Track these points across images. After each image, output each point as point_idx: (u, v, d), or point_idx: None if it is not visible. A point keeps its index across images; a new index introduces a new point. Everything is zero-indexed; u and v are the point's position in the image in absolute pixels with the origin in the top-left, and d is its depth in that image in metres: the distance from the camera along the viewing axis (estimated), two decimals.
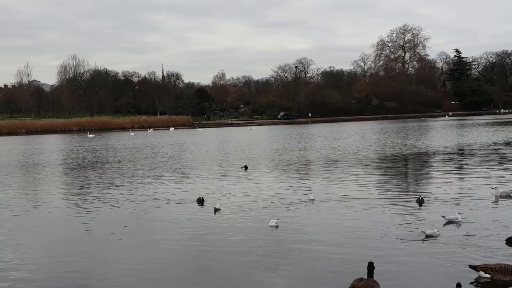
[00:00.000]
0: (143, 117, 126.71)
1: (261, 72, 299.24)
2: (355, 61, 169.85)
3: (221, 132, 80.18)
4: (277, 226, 13.77)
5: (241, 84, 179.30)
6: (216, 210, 16.35)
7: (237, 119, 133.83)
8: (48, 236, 13.90)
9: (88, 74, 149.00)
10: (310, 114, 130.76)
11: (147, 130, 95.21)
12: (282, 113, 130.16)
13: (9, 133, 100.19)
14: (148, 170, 28.31)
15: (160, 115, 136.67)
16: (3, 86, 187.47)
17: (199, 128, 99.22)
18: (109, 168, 29.87)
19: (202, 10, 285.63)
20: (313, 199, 17.37)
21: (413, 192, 18.94)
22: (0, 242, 13.16)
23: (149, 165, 30.95)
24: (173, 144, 51.68)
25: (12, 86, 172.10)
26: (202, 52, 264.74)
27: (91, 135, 76.50)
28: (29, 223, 15.53)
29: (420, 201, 16.50)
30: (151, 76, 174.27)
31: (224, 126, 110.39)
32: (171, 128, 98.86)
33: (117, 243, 13.01)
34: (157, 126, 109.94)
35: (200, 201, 17.53)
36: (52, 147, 53.99)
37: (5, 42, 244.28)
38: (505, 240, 11.78)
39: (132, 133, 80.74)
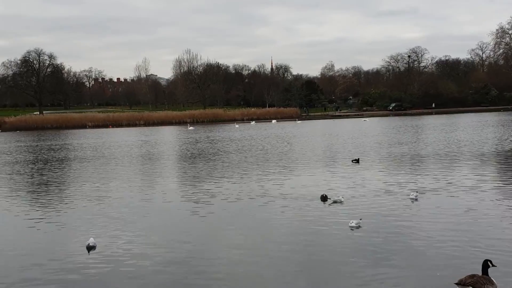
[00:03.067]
0: (252, 109, 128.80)
1: (372, 62, 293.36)
2: (473, 50, 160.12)
3: (329, 125, 79.32)
4: (358, 227, 13.08)
5: (350, 75, 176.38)
6: (335, 202, 16.13)
7: (345, 111, 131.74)
8: (167, 230, 14.36)
9: (201, 68, 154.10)
10: (433, 105, 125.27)
11: (249, 122, 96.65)
12: (393, 104, 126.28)
13: (128, 125, 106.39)
14: (250, 163, 28.49)
15: (268, 107, 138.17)
16: (123, 80, 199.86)
17: (298, 120, 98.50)
18: (211, 160, 30.42)
19: (312, 2, 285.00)
20: (416, 196, 16.49)
21: None
22: (122, 229, 13.81)
23: (252, 158, 31.19)
24: (274, 136, 51.94)
25: (131, 80, 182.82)
26: (311, 44, 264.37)
27: (191, 128, 78.85)
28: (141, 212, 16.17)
29: None
30: (260, 69, 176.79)
31: (332, 118, 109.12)
32: (273, 121, 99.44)
33: (237, 239, 13.15)
34: (266, 118, 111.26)
35: (324, 199, 16.65)
36: (161, 138, 56.49)
37: (125, 38, 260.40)
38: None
39: (236, 125, 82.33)
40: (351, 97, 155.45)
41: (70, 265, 10.85)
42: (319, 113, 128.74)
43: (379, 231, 12.81)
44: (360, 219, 13.43)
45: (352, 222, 13.20)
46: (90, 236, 12.46)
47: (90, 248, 11.83)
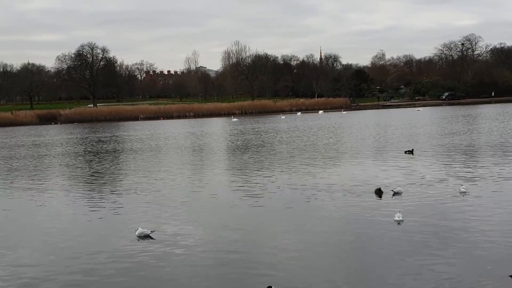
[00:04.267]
0: (301, 99, 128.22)
1: (424, 50, 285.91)
2: None
3: (379, 115, 77.98)
4: (399, 222, 12.64)
5: (402, 64, 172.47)
6: (395, 193, 15.84)
7: (397, 101, 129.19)
8: (214, 218, 14.49)
9: (249, 59, 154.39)
10: (493, 94, 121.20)
11: (296, 113, 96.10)
12: (446, 94, 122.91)
13: (179, 116, 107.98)
14: (296, 155, 28.30)
15: (317, 97, 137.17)
16: (173, 73, 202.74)
17: (344, 111, 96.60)
18: (256, 152, 30.34)
19: None
20: (466, 189, 15.93)
21: None
22: (172, 219, 14.02)
23: (298, 149, 30.98)
24: (321, 127, 51.47)
25: (182, 72, 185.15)
26: (361, 33, 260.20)
27: (235, 119, 78.98)
28: (195, 205, 16.34)
29: None
30: (309, 59, 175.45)
31: (382, 108, 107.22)
32: (320, 111, 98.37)
33: (286, 230, 13.12)
34: (314, 109, 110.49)
35: (378, 192, 16.05)
36: (207, 130, 56.98)
37: (176, 31, 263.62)
38: None
39: (282, 117, 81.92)
40: (402, 86, 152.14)
41: (122, 253, 11.10)
42: (369, 103, 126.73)
43: (431, 224, 12.53)
44: (401, 215, 12.94)
45: (398, 215, 12.84)
46: (140, 225, 12.71)
47: (142, 236, 12.07)
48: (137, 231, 12.21)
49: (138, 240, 12.01)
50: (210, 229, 12.87)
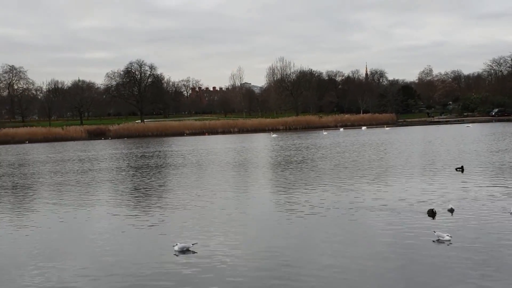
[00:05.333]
0: (346, 115, 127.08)
1: (472, 66, 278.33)
2: None
3: (426, 131, 76.22)
4: (445, 240, 12.09)
5: (450, 79, 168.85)
6: (450, 210, 15.32)
7: (445, 117, 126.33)
8: (262, 231, 14.30)
9: (294, 75, 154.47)
10: None
11: (338, 129, 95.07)
12: (496, 110, 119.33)
13: (223, 132, 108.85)
14: (338, 172, 27.81)
15: (363, 113, 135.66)
16: (218, 89, 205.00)
17: (387, 127, 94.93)
18: (297, 168, 29.94)
19: (409, 5, 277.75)
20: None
21: None
22: (214, 234, 13.89)
23: (340, 166, 30.44)
24: (364, 143, 50.56)
25: (227, 88, 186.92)
26: (408, 48, 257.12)
27: (274, 135, 78.69)
28: (239, 218, 16.18)
29: None
30: (354, 74, 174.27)
31: (430, 124, 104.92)
32: (363, 127, 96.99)
33: (330, 249, 12.80)
34: (359, 125, 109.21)
35: (431, 214, 15.15)
36: (248, 145, 56.84)
37: (221, 48, 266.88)
38: None
39: (324, 132, 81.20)
40: (450, 102, 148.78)
41: (164, 267, 10.98)
42: (417, 119, 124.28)
43: (481, 244, 11.93)
44: (448, 235, 12.42)
45: (445, 235, 12.30)
46: (183, 240, 12.62)
47: (182, 251, 11.96)
48: (177, 246, 12.12)
49: (178, 255, 11.89)
50: (252, 246, 12.61)
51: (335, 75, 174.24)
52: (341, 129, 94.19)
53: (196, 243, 12.29)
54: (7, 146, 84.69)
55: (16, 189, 25.48)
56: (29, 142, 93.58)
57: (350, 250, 11.91)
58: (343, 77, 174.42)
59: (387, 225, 14.18)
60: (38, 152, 61.50)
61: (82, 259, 12.05)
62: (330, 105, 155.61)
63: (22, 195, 22.98)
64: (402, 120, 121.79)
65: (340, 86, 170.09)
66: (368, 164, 30.36)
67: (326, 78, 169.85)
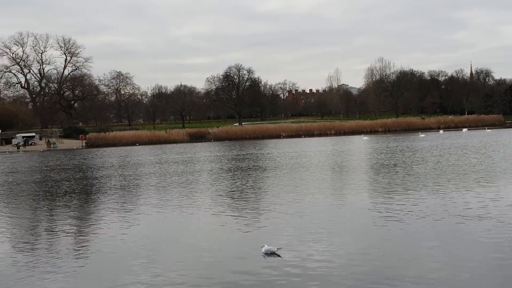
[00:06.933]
0: (449, 117, 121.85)
1: None
2: None
3: None
4: None
5: None
6: None
7: None
8: (357, 234, 14.06)
9: (394, 75, 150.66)
10: None
11: (438, 131, 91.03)
12: None
13: (320, 134, 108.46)
14: (436, 177, 26.52)
15: (467, 114, 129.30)
16: (315, 91, 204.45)
17: (487, 129, 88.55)
18: (391, 172, 28.97)
19: None
20: None
21: None
22: (307, 237, 13.83)
23: (438, 170, 29.04)
24: (466, 147, 47.86)
25: (323, 90, 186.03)
26: None
27: (366, 138, 77.44)
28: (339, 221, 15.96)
29: None
30: (458, 74, 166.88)
31: None
32: (464, 129, 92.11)
33: (432, 259, 12.24)
34: (464, 126, 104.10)
35: None
36: (341, 148, 55.90)
37: (318, 50, 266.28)
38: None
39: (422, 135, 78.09)
40: None
41: (249, 267, 11.08)
42: None
43: None
44: None
45: None
46: (271, 242, 12.70)
47: (269, 253, 12.07)
48: (264, 248, 12.26)
49: (265, 257, 11.99)
50: (343, 253, 12.32)
51: (438, 75, 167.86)
52: (441, 131, 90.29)
53: (281, 247, 12.30)
54: (117, 148, 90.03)
55: (123, 189, 26.95)
56: (139, 145, 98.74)
57: (453, 264, 11.13)
58: (446, 77, 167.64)
59: (490, 235, 13.16)
60: (145, 153, 64.86)
61: (180, 256, 12.48)
62: (433, 106, 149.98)
63: (129, 195, 24.27)
64: (509, 121, 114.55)
65: (443, 86, 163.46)
66: (469, 169, 28.79)
67: (428, 78, 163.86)
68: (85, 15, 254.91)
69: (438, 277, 10.07)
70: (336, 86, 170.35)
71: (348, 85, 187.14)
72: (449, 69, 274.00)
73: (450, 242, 12.69)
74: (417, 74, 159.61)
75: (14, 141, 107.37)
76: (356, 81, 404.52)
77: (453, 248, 12.13)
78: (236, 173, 32.61)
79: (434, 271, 10.44)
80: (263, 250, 12.17)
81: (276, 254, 12.04)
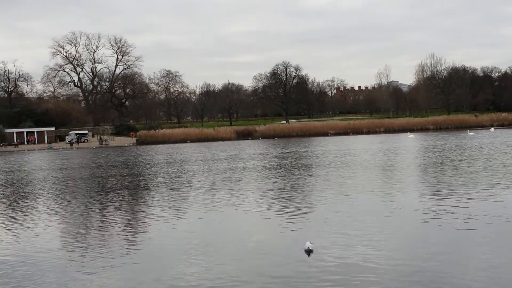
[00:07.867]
0: (503, 114, 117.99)
1: None
2: None
3: None
4: None
5: None
6: None
7: None
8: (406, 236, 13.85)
9: (445, 72, 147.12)
10: None
11: (489, 129, 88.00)
12: None
13: (368, 132, 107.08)
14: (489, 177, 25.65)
15: None
16: (364, 88, 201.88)
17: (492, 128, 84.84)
18: (439, 171, 28.16)
19: None
20: None
21: None
22: (352, 235, 13.73)
23: (487, 170, 28.08)
24: None
25: (372, 87, 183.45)
26: None
27: (411, 135, 75.73)
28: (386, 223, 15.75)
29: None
30: None
31: None
32: (491, 129, 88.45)
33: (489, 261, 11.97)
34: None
35: None
36: (387, 146, 54.80)
37: (367, 46, 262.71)
38: None
39: (471, 133, 75.70)
40: None
41: (293, 266, 11.01)
42: None
43: None
44: None
45: None
46: (315, 240, 12.68)
47: (308, 251, 12.07)
48: (306, 244, 12.28)
49: (308, 255, 11.97)
50: (392, 252, 11.98)
51: (491, 71, 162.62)
52: (492, 129, 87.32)
53: (313, 244, 12.25)
54: (166, 145, 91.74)
55: (169, 186, 27.49)
56: (190, 142, 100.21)
57: (501, 267, 10.76)
58: (499, 73, 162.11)
59: None
60: (192, 151, 65.86)
61: (227, 250, 12.66)
62: (486, 103, 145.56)
63: (174, 192, 24.74)
64: None
65: (496, 83, 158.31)
66: None
67: (481, 74, 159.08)
68: (134, 15, 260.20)
69: (487, 281, 9.80)
70: (386, 82, 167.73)
71: (398, 81, 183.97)
72: (502, 65, 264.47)
73: (502, 245, 12.22)
74: (470, 71, 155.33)
75: (67, 138, 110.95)
76: (406, 78, 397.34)
77: (507, 252, 11.77)
78: (278, 171, 32.65)
79: (482, 277, 10.13)
80: (305, 247, 12.20)
81: (311, 250, 12.02)
